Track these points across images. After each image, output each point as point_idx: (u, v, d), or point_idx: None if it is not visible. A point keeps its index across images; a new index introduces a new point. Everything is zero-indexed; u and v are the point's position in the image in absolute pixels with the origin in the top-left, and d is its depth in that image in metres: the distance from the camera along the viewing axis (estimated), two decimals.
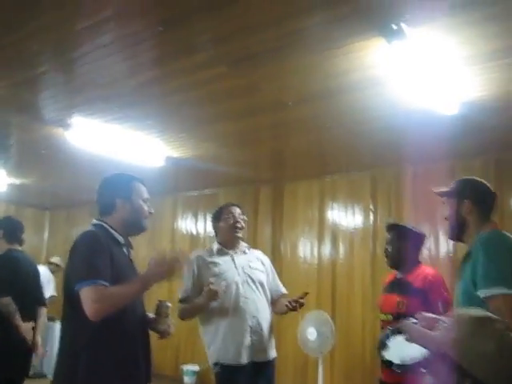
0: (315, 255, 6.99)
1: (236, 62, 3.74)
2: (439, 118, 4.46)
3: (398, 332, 2.46)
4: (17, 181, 8.03)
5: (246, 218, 3.51)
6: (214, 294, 3.14)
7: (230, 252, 3.42)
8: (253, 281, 3.31)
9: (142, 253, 8.60)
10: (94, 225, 2.44)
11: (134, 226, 2.50)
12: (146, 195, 2.53)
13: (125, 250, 2.47)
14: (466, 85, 3.88)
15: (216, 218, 3.55)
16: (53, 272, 8.32)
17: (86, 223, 9.10)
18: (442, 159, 5.81)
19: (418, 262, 3.64)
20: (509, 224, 5.49)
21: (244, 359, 3.14)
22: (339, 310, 6.58)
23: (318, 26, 3.16)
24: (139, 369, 2.33)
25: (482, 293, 2.12)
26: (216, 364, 3.20)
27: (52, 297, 8.09)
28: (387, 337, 2.53)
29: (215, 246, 3.45)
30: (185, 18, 3.19)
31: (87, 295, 2.11)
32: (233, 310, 3.19)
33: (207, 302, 3.17)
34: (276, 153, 6.33)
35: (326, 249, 6.92)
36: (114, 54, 3.75)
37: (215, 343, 3.20)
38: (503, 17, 3.00)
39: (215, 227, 3.57)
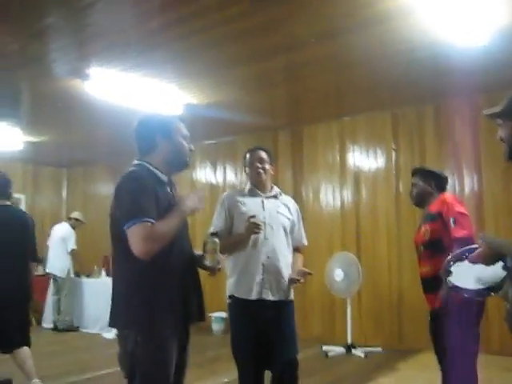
0: (338, 198, 6.97)
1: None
2: (467, 49, 4.33)
3: (460, 259, 2.41)
4: (33, 139, 8.00)
5: (267, 160, 3.46)
6: (255, 227, 3.20)
7: (262, 194, 3.43)
8: (276, 225, 3.35)
9: None
10: (136, 165, 2.38)
11: (177, 164, 2.44)
12: (185, 132, 2.47)
13: (168, 188, 2.41)
14: (497, 11, 3.72)
15: (244, 163, 3.56)
16: (74, 227, 8.47)
17: (103, 180, 9.18)
18: (465, 95, 5.69)
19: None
20: None
21: (253, 295, 3.23)
22: (364, 252, 6.59)
23: None
24: (191, 305, 2.35)
25: None
26: (230, 297, 3.31)
27: (73, 250, 8.28)
28: (450, 263, 2.48)
29: (247, 187, 3.48)
30: None
31: (136, 233, 2.10)
32: (251, 248, 3.26)
33: (249, 234, 3.23)
34: (293, 95, 6.23)
35: (349, 191, 6.88)
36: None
37: (232, 277, 3.32)
38: None
39: (245, 171, 3.58)
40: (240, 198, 3.41)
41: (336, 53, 4.65)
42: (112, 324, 2.28)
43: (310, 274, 3.38)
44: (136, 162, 2.41)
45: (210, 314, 7.61)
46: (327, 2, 3.68)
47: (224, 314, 7.54)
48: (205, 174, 8.45)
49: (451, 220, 3.33)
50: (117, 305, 2.27)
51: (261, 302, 3.21)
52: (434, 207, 3.52)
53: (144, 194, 2.19)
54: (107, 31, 4.16)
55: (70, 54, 4.64)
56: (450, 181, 5.90)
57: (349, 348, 6.07)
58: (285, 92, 6.02)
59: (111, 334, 6.95)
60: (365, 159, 6.77)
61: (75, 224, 8.52)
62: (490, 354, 4.90)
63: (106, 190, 9.57)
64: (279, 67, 5.09)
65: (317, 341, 6.52)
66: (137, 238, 2.09)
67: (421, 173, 3.81)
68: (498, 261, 1.99)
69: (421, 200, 3.72)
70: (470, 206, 5.78)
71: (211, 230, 3.26)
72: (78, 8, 3.77)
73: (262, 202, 3.39)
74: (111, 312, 2.29)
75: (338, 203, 6.94)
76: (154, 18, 3.94)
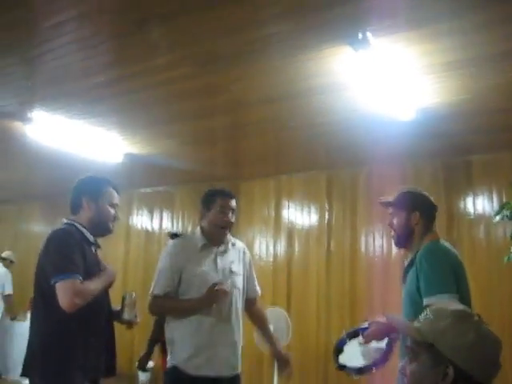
0: (271, 253, 7.11)
1: (202, 64, 3.81)
2: (395, 122, 4.65)
3: (354, 336, 2.60)
4: None
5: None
6: (223, 296, 2.82)
7: (214, 249, 3.00)
8: (230, 289, 2.92)
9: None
10: (66, 223, 2.52)
11: (99, 229, 2.58)
12: (115, 201, 2.66)
13: (93, 248, 2.56)
14: (422, 92, 4.08)
15: (206, 204, 3.03)
16: (7, 267, 8.06)
17: (36, 219, 8.87)
18: (394, 162, 6.03)
19: None
20: (457, 226, 5.76)
21: (203, 372, 2.83)
22: (294, 307, 6.72)
23: (287, 33, 3.27)
24: (99, 360, 2.43)
25: (426, 300, 2.31)
26: (175, 367, 2.85)
27: (9, 295, 7.80)
28: (343, 341, 2.66)
29: (200, 241, 2.98)
30: (152, 20, 3.25)
31: (66, 287, 2.21)
32: (203, 317, 2.85)
33: (211, 304, 2.82)
34: (233, 152, 6.42)
35: (282, 247, 7.05)
36: (79, 52, 3.76)
37: (176, 346, 2.88)
38: (458, 31, 3.21)
39: (202, 212, 3.06)
40: (191, 256, 2.93)
41: (275, 116, 4.87)
42: (25, 374, 2.34)
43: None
44: (65, 220, 2.54)
45: (137, 363, 7.49)
46: (270, 72, 3.89)
47: (151, 364, 7.43)
48: (141, 221, 8.45)
49: None
50: (32, 356, 2.33)
51: (216, 380, 2.87)
52: None
53: (74, 252, 2.32)
54: (54, 80, 4.22)
55: (14, 98, 4.66)
56: (378, 242, 6.26)
57: None
58: (224, 148, 6.20)
59: None
60: (299, 216, 6.98)
61: (8, 265, 8.05)
62: None
63: (38, 229, 9.38)
64: (220, 126, 5.27)
65: None
66: (66, 292, 2.21)
67: None
68: (385, 337, 2.26)
69: None
70: (397, 267, 6.05)
71: (156, 292, 2.88)
72: (28, 57, 3.85)
73: (215, 261, 2.97)
74: (25, 361, 2.35)
75: (271, 258, 7.08)
76: (101, 73, 4.05)
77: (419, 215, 2.59)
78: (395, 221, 2.65)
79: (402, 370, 1.37)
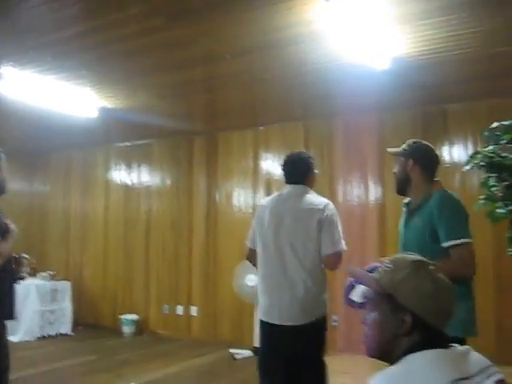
0: (250, 204, 7.15)
1: (174, 15, 3.73)
2: (371, 72, 4.63)
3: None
4: None
5: None
6: None
7: None
8: None
9: (77, 203, 8.56)
10: None
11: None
12: (6, 164, 2.94)
13: None
14: (397, 42, 4.06)
15: (313, 167, 3.39)
16: None
17: (13, 176, 8.78)
18: (371, 112, 6.05)
19: None
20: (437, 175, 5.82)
21: None
22: None
23: None
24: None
25: (447, 243, 2.53)
26: (325, 317, 3.23)
27: None
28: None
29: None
30: None
31: None
32: None
33: None
34: (210, 104, 6.37)
35: (261, 197, 7.08)
36: (48, 3, 3.64)
37: (326, 293, 3.25)
38: None
39: (308, 175, 3.35)
40: None
41: (250, 68, 4.82)
42: None
43: None
44: None
45: (121, 316, 7.61)
46: (242, 23, 3.83)
47: (135, 317, 7.54)
48: (119, 175, 8.41)
49: None
50: None
51: None
52: None
53: None
54: (22, 34, 4.10)
55: None
56: (356, 190, 6.33)
57: (256, 351, 6.26)
58: (201, 101, 6.14)
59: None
60: (277, 167, 6.99)
61: None
62: None
63: (15, 186, 9.29)
64: (195, 78, 5.20)
65: (226, 344, 6.70)
66: None
67: None
68: None
69: None
70: (375, 214, 6.15)
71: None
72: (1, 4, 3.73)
73: None
74: None
75: (250, 209, 7.13)
76: (71, 26, 3.94)
77: (413, 162, 2.78)
78: (397, 168, 2.87)
79: (363, 320, 1.43)
